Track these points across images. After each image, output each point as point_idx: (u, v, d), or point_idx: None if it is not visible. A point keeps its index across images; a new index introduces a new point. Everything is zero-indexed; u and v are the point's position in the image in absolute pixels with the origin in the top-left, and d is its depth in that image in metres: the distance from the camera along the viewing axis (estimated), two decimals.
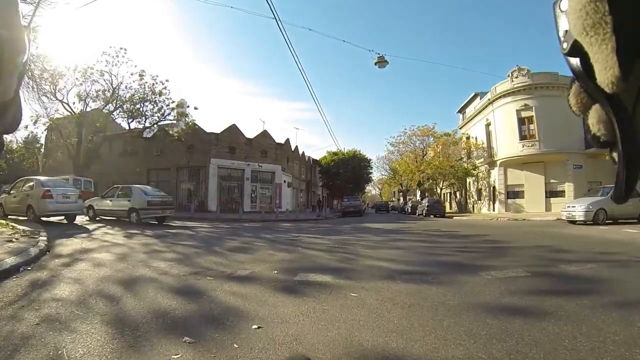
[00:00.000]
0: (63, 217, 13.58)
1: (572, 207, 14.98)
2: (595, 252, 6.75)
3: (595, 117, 0.42)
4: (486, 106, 31.58)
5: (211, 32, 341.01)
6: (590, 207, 13.94)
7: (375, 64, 13.93)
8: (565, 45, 0.40)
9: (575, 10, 0.37)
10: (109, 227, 12.10)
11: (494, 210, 30.14)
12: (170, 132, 27.56)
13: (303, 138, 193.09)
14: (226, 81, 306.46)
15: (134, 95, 25.02)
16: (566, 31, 0.40)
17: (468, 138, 36.20)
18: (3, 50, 0.41)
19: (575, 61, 0.40)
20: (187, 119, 27.19)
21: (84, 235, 9.41)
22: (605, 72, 0.35)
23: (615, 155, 0.40)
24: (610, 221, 13.96)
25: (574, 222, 14.63)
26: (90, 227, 11.97)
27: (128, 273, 4.72)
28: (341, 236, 10.41)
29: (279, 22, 12.05)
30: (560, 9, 0.41)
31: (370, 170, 49.82)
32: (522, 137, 27.70)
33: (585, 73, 0.38)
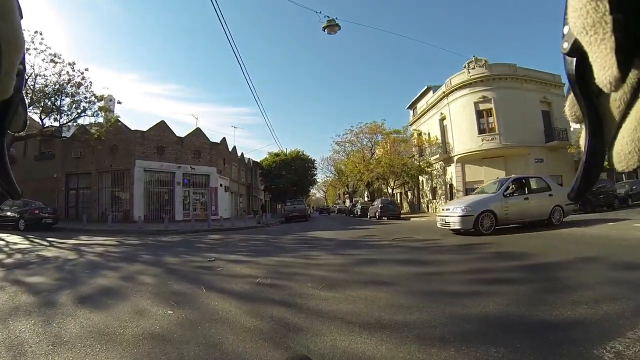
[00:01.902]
0: None
1: (447, 209, 10.48)
2: None
3: (583, 132, 0.42)
4: (440, 99, 29.62)
5: (137, 36, 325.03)
6: (470, 210, 9.62)
7: (324, 29, 11.02)
8: (565, 45, 0.39)
9: (575, 8, 0.36)
10: None
11: None
12: (92, 130, 23.13)
13: (244, 142, 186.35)
14: (158, 87, 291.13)
15: (47, 85, 20.16)
16: (569, 29, 0.38)
17: (420, 134, 34.34)
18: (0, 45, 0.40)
19: (571, 61, 0.39)
20: (108, 114, 22.97)
21: None
22: (604, 72, 0.34)
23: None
24: (517, 225, 10.42)
25: (456, 232, 10.04)
26: None
27: None
28: (281, 257, 7.05)
29: None
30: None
31: (315, 172, 46.94)
32: (481, 131, 25.91)
33: (577, 76, 0.38)
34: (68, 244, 10.71)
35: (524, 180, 11.09)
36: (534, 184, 10.94)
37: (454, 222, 9.83)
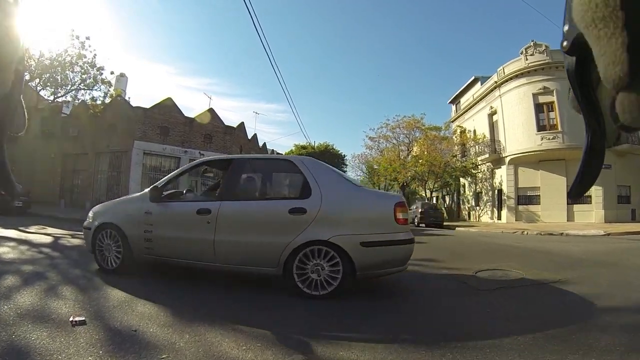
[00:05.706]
0: None
1: None
2: None
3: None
4: (491, 90, 25.57)
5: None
6: (90, 218, 4.91)
7: None
8: (565, 43, 0.39)
9: (583, 2, 0.35)
10: None
11: (499, 218, 24.11)
12: (91, 108, 20.39)
13: (271, 138, 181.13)
14: (193, 80, 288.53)
15: (42, 56, 17.86)
16: (569, 28, 0.38)
17: (463, 132, 30.28)
18: None
19: (571, 60, 0.39)
20: (108, 88, 20.11)
21: None
22: (613, 68, 0.33)
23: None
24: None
25: None
26: None
27: None
28: (239, 339, 2.45)
29: None
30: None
31: (345, 168, 43.09)
32: (541, 128, 21.92)
33: (576, 75, 0.38)
34: None
35: (229, 165, 4.64)
36: (253, 179, 4.80)
37: None
